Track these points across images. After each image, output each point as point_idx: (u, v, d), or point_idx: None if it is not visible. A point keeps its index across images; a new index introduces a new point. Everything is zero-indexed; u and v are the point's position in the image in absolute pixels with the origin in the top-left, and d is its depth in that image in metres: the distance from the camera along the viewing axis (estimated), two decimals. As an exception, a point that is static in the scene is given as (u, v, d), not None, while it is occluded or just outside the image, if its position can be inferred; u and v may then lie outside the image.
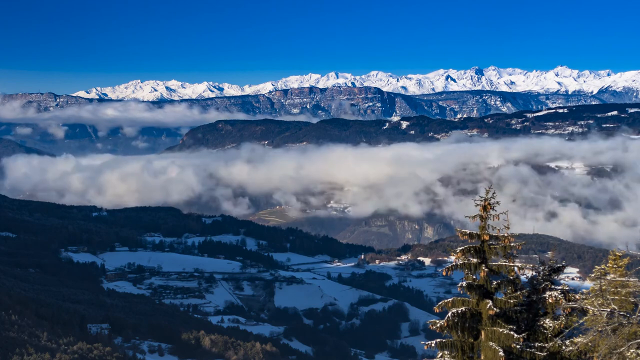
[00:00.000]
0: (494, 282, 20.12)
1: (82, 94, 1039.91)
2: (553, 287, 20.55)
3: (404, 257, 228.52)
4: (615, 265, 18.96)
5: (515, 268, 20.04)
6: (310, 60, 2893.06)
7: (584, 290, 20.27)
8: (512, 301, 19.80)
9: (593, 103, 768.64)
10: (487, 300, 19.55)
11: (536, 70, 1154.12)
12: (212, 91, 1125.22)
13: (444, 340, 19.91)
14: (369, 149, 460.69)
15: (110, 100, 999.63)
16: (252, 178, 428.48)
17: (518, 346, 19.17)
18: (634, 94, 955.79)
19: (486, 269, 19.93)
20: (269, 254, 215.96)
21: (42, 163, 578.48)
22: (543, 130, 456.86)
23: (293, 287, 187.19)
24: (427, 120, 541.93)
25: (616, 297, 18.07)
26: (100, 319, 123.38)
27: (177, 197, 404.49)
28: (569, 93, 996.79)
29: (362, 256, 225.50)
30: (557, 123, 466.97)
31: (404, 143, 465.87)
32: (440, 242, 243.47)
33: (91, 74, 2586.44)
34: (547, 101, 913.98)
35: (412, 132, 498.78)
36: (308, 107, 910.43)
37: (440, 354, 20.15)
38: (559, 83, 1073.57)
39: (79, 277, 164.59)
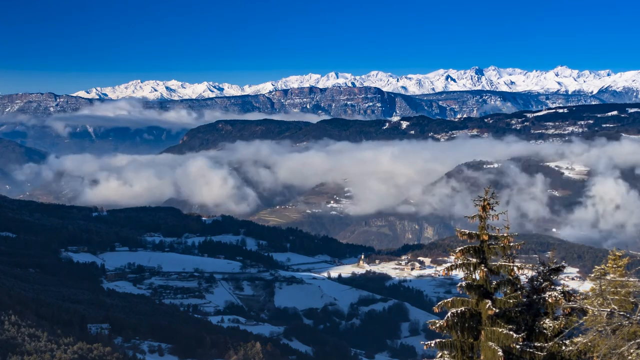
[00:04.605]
0: (494, 282, 20.12)
1: (82, 94, 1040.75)
2: (553, 287, 20.54)
3: (404, 257, 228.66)
4: (614, 265, 18.96)
5: (515, 268, 20.03)
6: (310, 60, 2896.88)
7: (583, 290, 20.26)
8: (511, 301, 19.79)
9: (593, 103, 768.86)
10: (487, 300, 19.55)
11: (536, 70, 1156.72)
12: (212, 91, 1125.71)
13: (443, 340, 19.91)
14: (369, 149, 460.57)
15: (111, 100, 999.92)
16: (253, 178, 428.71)
17: (518, 346, 19.17)
18: (634, 94, 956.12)
19: (485, 269, 19.92)
20: (269, 254, 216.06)
21: (43, 163, 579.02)
22: (543, 130, 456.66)
23: (293, 287, 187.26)
24: (427, 120, 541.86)
25: (616, 297, 18.05)
26: (100, 319, 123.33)
27: (177, 197, 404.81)
28: (569, 93, 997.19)
29: (362, 256, 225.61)
30: (557, 123, 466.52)
31: (404, 143, 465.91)
32: (440, 242, 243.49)
33: (91, 74, 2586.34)
34: (547, 101, 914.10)
35: (412, 132, 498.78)
36: (308, 107, 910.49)
37: (440, 354, 20.14)
38: (559, 83, 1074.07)
39: (79, 277, 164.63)
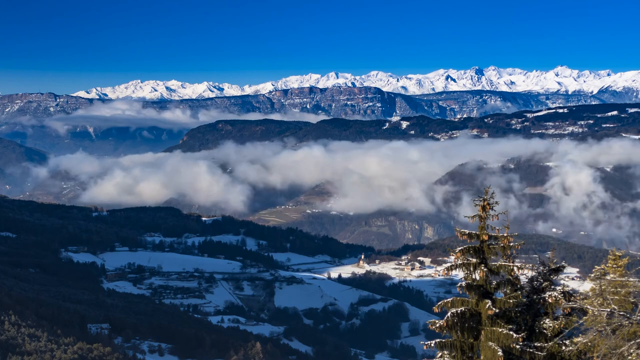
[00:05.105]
0: (494, 282, 20.11)
1: (82, 94, 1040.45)
2: (553, 287, 20.54)
3: (404, 257, 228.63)
4: (614, 265, 18.94)
5: (515, 268, 20.03)
6: (310, 60, 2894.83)
7: (583, 290, 20.26)
8: (511, 301, 19.79)
9: (593, 103, 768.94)
10: (487, 300, 19.54)
11: (536, 70, 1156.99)
12: (212, 91, 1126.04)
13: (443, 340, 19.90)
14: (369, 149, 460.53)
15: (111, 100, 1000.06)
16: (253, 178, 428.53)
17: (518, 346, 19.16)
18: (634, 94, 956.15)
19: (485, 269, 19.92)
20: (269, 254, 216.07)
21: (43, 163, 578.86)
22: (543, 130, 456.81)
23: (293, 287, 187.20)
24: (427, 120, 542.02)
25: (616, 297, 18.05)
26: (100, 319, 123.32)
27: (177, 197, 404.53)
28: (569, 93, 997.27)
29: (362, 256, 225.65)
30: (557, 123, 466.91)
31: (404, 143, 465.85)
32: (440, 242, 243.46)
33: (91, 74, 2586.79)
34: (547, 101, 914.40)
35: (412, 132, 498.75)
36: (308, 107, 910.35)
37: (440, 354, 20.13)
38: (559, 83, 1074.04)
39: (79, 277, 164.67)
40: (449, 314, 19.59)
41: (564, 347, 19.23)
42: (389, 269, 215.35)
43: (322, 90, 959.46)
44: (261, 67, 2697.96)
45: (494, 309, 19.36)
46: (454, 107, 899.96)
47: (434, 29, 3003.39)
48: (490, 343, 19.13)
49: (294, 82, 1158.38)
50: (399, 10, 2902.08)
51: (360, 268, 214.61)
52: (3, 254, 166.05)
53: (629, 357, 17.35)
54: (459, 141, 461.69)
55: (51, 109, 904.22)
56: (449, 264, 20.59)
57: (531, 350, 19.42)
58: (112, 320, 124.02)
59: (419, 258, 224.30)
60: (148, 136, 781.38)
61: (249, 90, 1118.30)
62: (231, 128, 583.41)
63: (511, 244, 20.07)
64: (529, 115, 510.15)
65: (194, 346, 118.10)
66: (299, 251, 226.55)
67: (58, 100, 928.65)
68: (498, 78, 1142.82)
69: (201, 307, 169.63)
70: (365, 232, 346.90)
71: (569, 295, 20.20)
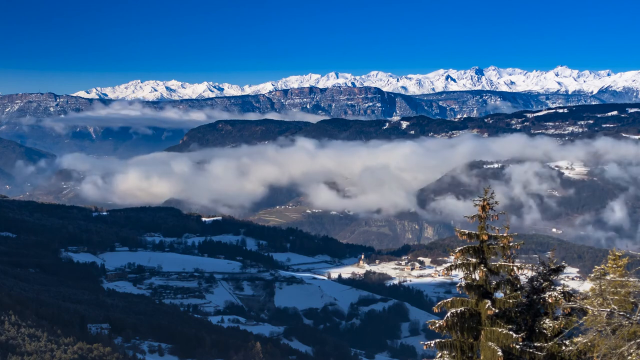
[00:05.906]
0: (493, 282, 20.12)
1: (82, 94, 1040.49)
2: (553, 287, 20.54)
3: (404, 257, 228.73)
4: (614, 265, 18.94)
5: (515, 268, 20.03)
6: (310, 60, 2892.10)
7: (583, 290, 20.26)
8: (511, 301, 19.79)
9: (593, 103, 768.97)
10: (486, 300, 19.54)
11: (536, 70, 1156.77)
12: (212, 91, 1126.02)
13: (443, 341, 19.90)
14: (369, 149, 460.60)
15: (111, 100, 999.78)
16: (253, 178, 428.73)
17: (517, 346, 19.16)
18: (634, 94, 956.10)
19: (485, 269, 19.92)
20: (269, 254, 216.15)
21: (43, 163, 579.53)
22: (543, 130, 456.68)
23: (293, 287, 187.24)
24: (427, 120, 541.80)
25: (616, 297, 18.05)
26: (100, 319, 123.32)
27: (177, 197, 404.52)
28: (569, 93, 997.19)
29: (362, 256, 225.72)
30: (557, 123, 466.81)
31: (404, 143, 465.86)
32: (440, 242, 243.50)
33: (91, 74, 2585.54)
34: (547, 101, 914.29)
35: (412, 132, 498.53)
36: (308, 107, 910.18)
37: (440, 354, 20.14)
38: (559, 83, 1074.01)
39: (79, 277, 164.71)
40: (448, 314, 19.59)
41: (564, 347, 19.23)
42: (389, 269, 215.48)
43: (322, 90, 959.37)
44: (261, 67, 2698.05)
45: (493, 309, 19.36)
46: (454, 107, 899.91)
47: (434, 29, 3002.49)
48: (490, 343, 19.12)
49: (294, 82, 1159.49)
50: (399, 10, 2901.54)
51: (360, 268, 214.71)
52: (3, 254, 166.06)
53: (629, 357, 17.35)
54: (459, 141, 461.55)
55: (51, 109, 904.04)
56: (448, 264, 20.60)
57: (531, 350, 19.42)
58: (112, 320, 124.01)
59: (419, 258, 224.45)
60: (148, 136, 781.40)
61: (249, 90, 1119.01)
62: (231, 128, 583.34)
63: (511, 244, 20.07)
64: (529, 115, 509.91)
65: (194, 346, 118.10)
66: (299, 251, 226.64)
67: (58, 100, 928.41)
68: (498, 78, 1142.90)
69: (201, 307, 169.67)
70: (365, 232, 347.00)
71: (569, 295, 20.21)
